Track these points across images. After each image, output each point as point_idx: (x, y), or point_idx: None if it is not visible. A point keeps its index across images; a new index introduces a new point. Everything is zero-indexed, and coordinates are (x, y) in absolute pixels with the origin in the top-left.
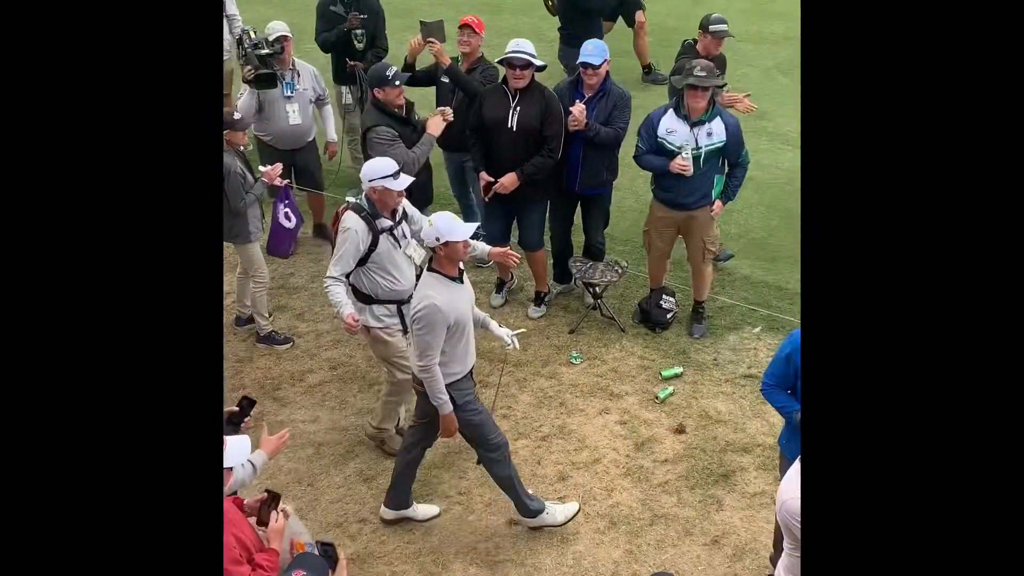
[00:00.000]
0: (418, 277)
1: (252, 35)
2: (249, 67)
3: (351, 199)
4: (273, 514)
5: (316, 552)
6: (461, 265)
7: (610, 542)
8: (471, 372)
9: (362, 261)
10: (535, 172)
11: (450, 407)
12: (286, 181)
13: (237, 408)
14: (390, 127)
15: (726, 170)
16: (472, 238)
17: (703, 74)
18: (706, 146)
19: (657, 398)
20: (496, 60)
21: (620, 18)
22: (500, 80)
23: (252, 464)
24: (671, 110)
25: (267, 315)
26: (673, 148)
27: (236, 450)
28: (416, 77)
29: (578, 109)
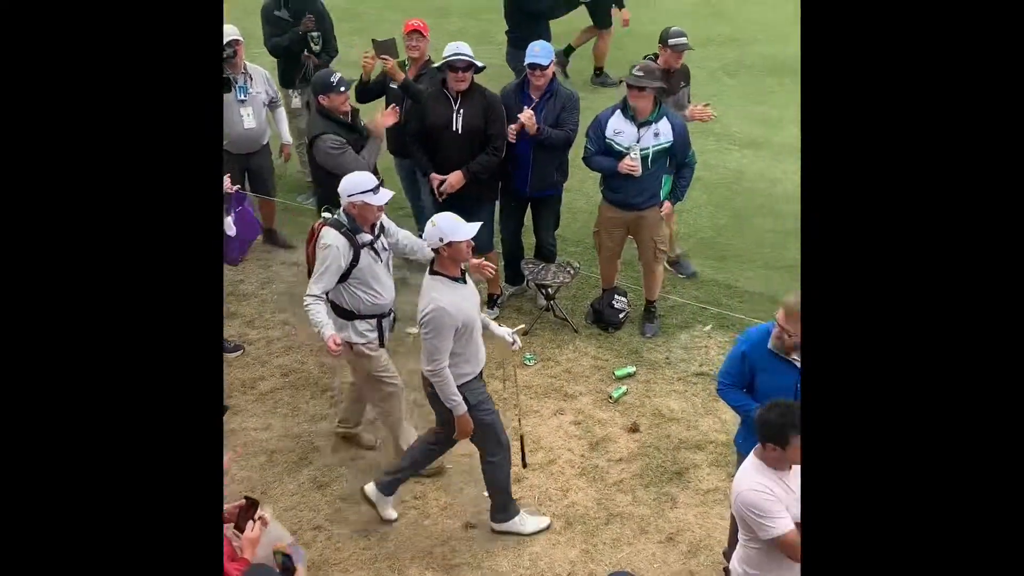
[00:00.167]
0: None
1: None
2: None
3: (327, 215)
4: (250, 523)
5: (300, 551)
6: (463, 265)
7: (566, 542)
8: (481, 372)
9: (343, 277)
10: (480, 170)
11: (464, 407)
12: (236, 187)
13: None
14: (338, 134)
15: (674, 171)
16: None
17: (640, 74)
18: (653, 146)
19: (611, 398)
20: (435, 65)
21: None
22: (440, 84)
23: None
24: (618, 111)
25: None
26: (621, 149)
27: None
28: (370, 90)
29: (526, 116)
